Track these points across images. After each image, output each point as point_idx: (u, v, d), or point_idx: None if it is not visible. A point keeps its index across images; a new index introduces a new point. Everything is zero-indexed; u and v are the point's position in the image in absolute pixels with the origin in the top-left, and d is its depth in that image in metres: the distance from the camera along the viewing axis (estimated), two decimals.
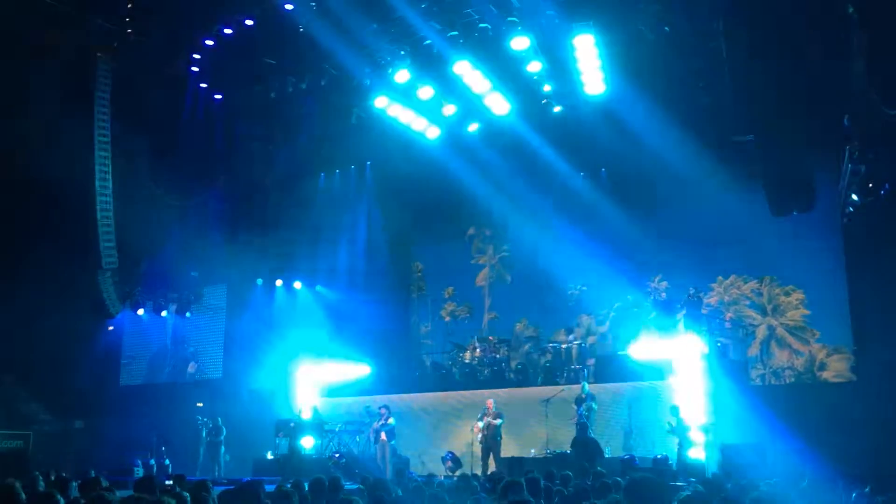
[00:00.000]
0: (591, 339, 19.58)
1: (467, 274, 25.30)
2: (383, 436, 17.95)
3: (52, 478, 9.86)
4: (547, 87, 19.34)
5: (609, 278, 22.45)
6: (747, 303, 20.37)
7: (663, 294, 18.54)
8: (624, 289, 22.12)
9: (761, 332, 20.16)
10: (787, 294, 20.35)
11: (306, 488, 8.03)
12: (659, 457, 15.34)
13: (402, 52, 18.76)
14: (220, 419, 19.99)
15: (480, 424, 17.13)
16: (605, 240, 22.32)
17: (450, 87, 19.65)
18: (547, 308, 23.47)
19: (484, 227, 25.27)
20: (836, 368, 19.40)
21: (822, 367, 19.66)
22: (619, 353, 18.41)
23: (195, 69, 20.01)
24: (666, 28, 16.44)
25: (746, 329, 20.27)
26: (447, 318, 25.59)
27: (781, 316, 20.21)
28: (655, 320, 18.38)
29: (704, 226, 21.25)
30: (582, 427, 15.72)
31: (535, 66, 18.43)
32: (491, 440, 17.01)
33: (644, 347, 17.75)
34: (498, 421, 17.10)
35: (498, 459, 16.99)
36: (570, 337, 19.43)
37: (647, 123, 19.21)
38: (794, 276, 20.26)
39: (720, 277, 21.11)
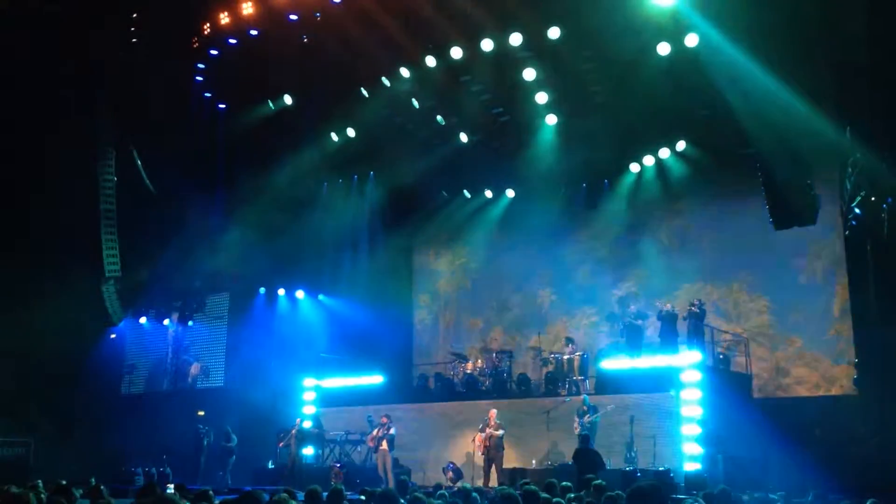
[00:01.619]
0: (560, 345, 19.55)
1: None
2: (384, 445, 17.86)
3: (62, 483, 9.81)
4: (541, 97, 19.38)
5: (577, 285, 22.81)
6: (713, 309, 20.38)
7: (668, 305, 18.48)
8: (593, 296, 22.44)
9: (727, 339, 20.19)
10: (754, 301, 20.42)
11: (301, 498, 7.99)
12: (661, 469, 15.30)
13: (402, 61, 18.83)
14: (228, 427, 19.96)
15: (482, 435, 17.09)
16: (573, 245, 22.68)
17: (449, 97, 19.74)
18: (518, 316, 23.69)
19: (443, 231, 25.45)
20: (799, 374, 19.51)
21: (786, 373, 19.77)
22: (622, 365, 18.36)
23: (199, 78, 20.07)
24: (669, 42, 16.46)
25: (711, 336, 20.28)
26: (417, 326, 25.76)
27: (746, 323, 20.28)
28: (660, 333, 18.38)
29: (676, 233, 21.64)
30: (584, 439, 15.69)
31: (529, 75, 18.51)
32: (493, 451, 16.97)
33: (645, 359, 17.76)
34: (500, 432, 17.06)
35: (500, 470, 16.96)
36: (571, 347, 19.40)
37: (647, 135, 19.34)
38: (764, 284, 20.46)
39: (686, 284, 21.20)
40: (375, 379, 21.45)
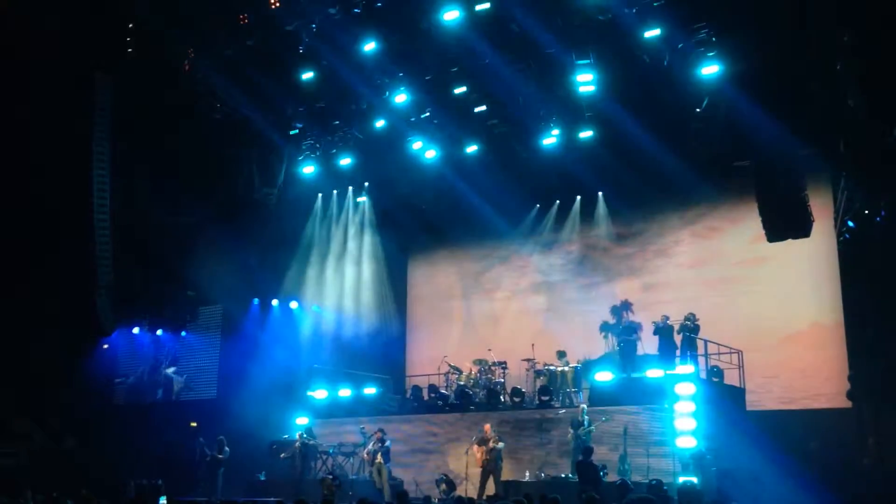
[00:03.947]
0: (554, 357, 19.54)
1: None
2: (379, 458, 17.83)
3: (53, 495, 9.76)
4: (542, 111, 19.49)
5: (571, 295, 22.89)
6: (706, 321, 20.38)
7: (662, 318, 18.48)
8: (587, 306, 22.83)
9: (720, 352, 20.18)
10: (747, 313, 20.42)
11: None
12: (654, 482, 15.25)
13: (401, 75, 18.88)
14: (222, 437, 19.83)
15: (484, 448, 17.05)
16: (567, 255, 23.08)
17: (448, 109, 19.79)
18: (511, 328, 23.74)
19: (438, 242, 25.74)
20: (792, 387, 19.70)
21: (779, 386, 19.89)
22: (616, 377, 18.35)
23: (196, 88, 20.07)
24: (666, 53, 16.54)
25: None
26: (411, 338, 25.86)
27: (739, 335, 20.10)
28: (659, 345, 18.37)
29: (670, 243, 22.09)
30: (585, 451, 15.62)
31: (531, 89, 18.61)
32: (492, 464, 16.95)
33: (639, 372, 17.74)
34: (500, 444, 17.06)
35: (497, 483, 16.90)
36: (565, 360, 19.37)
37: (642, 147, 19.41)
38: (757, 296, 20.53)
39: (680, 295, 21.23)
40: (368, 390, 21.39)
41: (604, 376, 17.94)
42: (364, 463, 19.08)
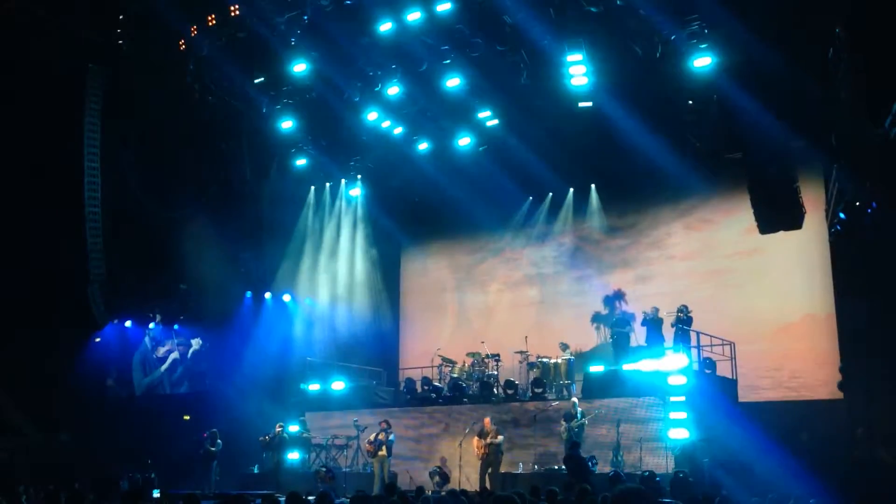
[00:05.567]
0: (547, 349, 19.57)
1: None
2: (383, 450, 17.79)
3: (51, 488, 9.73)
4: (538, 103, 19.51)
5: (564, 287, 23.00)
6: (698, 313, 20.48)
7: (652, 310, 18.52)
8: (579, 298, 22.98)
9: (713, 344, 20.27)
10: (739, 305, 20.48)
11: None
12: (645, 474, 15.30)
13: (393, 67, 18.85)
14: (216, 430, 19.80)
15: (483, 442, 17.08)
16: (560, 248, 23.20)
17: (441, 102, 19.78)
18: (505, 320, 23.82)
19: (431, 234, 25.71)
20: (784, 379, 19.82)
21: (771, 378, 19.96)
22: (609, 369, 18.40)
23: (189, 80, 20.02)
24: (658, 45, 16.53)
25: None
26: (405, 330, 25.90)
27: (732, 327, 20.13)
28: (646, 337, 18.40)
29: (662, 235, 22.20)
30: (571, 444, 15.67)
31: (523, 81, 18.61)
32: (492, 457, 16.98)
33: (633, 364, 17.77)
34: (500, 438, 17.08)
35: (496, 476, 16.93)
36: (568, 352, 19.38)
37: (635, 139, 19.42)
38: (748, 289, 20.60)
39: (672, 287, 21.29)
40: (362, 383, 21.38)
41: (598, 368, 17.82)
42: (357, 455, 19.09)
